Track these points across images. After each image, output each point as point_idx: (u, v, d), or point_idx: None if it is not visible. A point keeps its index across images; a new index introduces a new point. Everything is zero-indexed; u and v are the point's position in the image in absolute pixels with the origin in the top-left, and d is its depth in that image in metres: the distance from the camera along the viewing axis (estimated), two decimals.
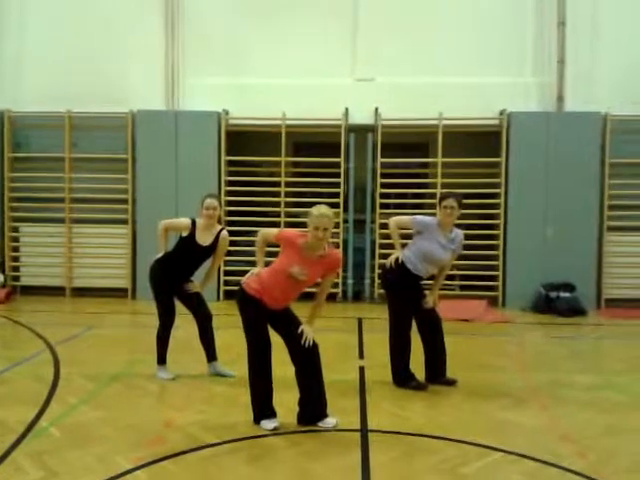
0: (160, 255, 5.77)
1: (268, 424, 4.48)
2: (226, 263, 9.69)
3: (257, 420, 4.54)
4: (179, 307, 5.87)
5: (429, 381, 5.60)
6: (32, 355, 6.54)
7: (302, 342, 4.46)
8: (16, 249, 10.72)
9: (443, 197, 5.54)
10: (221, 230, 5.73)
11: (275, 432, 4.43)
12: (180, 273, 5.75)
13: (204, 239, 5.66)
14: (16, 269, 10.68)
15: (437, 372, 5.64)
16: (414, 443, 4.33)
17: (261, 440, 4.33)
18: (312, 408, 4.57)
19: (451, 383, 5.60)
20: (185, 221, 5.71)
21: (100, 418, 4.69)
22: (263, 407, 4.54)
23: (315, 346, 4.54)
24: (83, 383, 5.55)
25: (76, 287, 10.55)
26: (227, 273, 10.10)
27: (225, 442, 4.26)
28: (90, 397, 5.21)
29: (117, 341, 7.50)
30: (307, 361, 4.53)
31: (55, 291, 10.44)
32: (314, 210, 4.39)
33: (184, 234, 5.68)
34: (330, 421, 4.56)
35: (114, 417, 4.72)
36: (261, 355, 4.50)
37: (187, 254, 5.69)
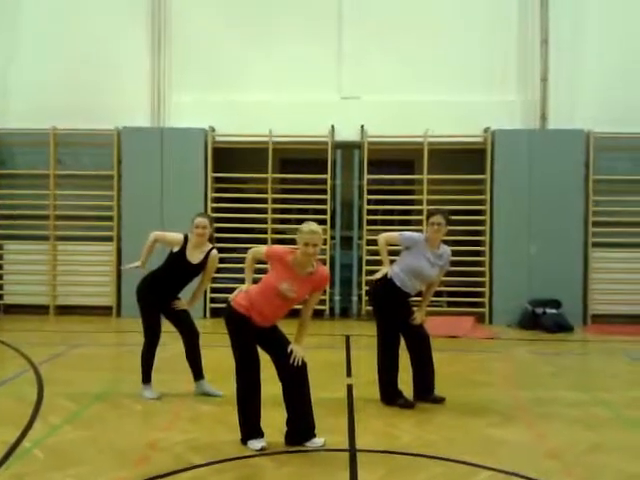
0: (136, 264, 5.71)
1: (255, 444, 4.43)
2: (213, 280, 9.61)
3: (244, 440, 4.49)
4: (165, 325, 5.82)
5: (417, 399, 5.58)
6: (15, 375, 6.44)
7: (291, 362, 4.43)
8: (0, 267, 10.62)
9: (431, 213, 5.56)
10: (211, 249, 5.70)
11: (262, 452, 4.37)
12: (168, 290, 5.70)
13: (194, 257, 5.63)
14: None
15: (425, 390, 5.62)
16: (402, 462, 4.29)
17: (248, 461, 4.27)
18: (300, 428, 4.53)
19: (439, 401, 5.58)
20: (178, 236, 5.67)
21: (84, 438, 4.61)
22: (251, 427, 4.48)
23: (304, 365, 4.50)
24: (67, 403, 5.46)
25: (60, 305, 10.45)
26: (214, 290, 10.05)
27: (212, 463, 4.19)
28: (74, 417, 5.12)
29: (101, 360, 7.42)
30: (295, 380, 4.49)
31: (39, 309, 10.34)
32: (304, 227, 4.39)
33: (175, 250, 5.65)
34: (318, 441, 4.52)
35: (98, 437, 4.65)
36: (249, 374, 4.45)
37: (176, 270, 5.65)
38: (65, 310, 10.41)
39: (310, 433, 4.53)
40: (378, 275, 5.56)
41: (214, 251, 5.71)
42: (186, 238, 5.63)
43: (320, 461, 4.31)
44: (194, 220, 5.62)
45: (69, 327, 9.41)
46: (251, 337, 4.47)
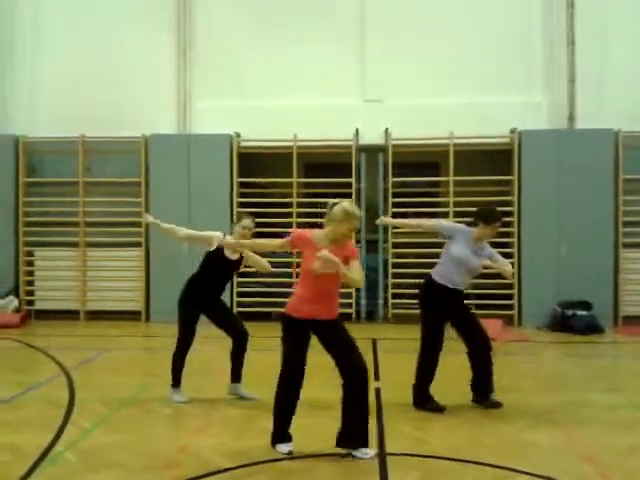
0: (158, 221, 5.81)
1: (283, 448, 4.43)
2: (239, 285, 9.67)
3: (273, 442, 4.49)
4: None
5: (475, 402, 5.52)
6: (47, 379, 6.54)
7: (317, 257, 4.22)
8: (30, 273, 10.79)
9: (497, 218, 5.46)
10: None
11: (292, 457, 4.36)
12: (209, 291, 5.73)
13: (231, 253, 5.69)
14: (30, 293, 10.74)
15: (480, 394, 5.55)
16: (433, 466, 4.25)
17: (278, 464, 4.27)
18: (352, 434, 4.39)
19: (494, 406, 5.48)
20: (217, 233, 5.74)
21: (115, 442, 4.65)
22: (281, 431, 4.48)
23: (365, 370, 4.36)
24: (98, 407, 5.53)
25: (90, 310, 10.58)
26: (240, 294, 10.06)
27: (241, 466, 4.20)
28: (105, 421, 5.18)
29: (131, 364, 7.49)
30: (355, 383, 4.34)
31: (69, 315, 10.47)
32: (353, 209, 4.36)
33: (212, 248, 5.69)
34: (367, 451, 4.37)
35: (129, 441, 4.69)
36: (292, 380, 4.43)
37: (215, 268, 5.70)
38: (95, 315, 10.54)
39: (360, 442, 4.39)
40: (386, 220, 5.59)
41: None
42: (224, 235, 5.70)
43: (350, 465, 4.28)
44: (241, 220, 5.69)
45: (99, 332, 9.53)
46: (302, 344, 4.42)
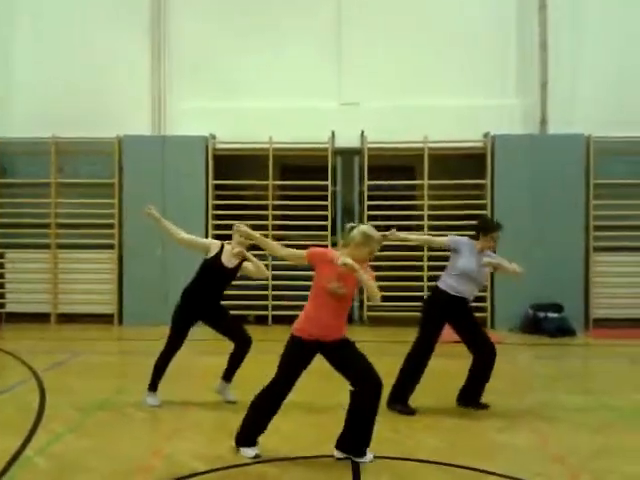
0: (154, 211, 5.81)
1: (249, 452, 4.38)
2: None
3: (238, 444, 4.43)
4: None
5: (462, 404, 5.60)
6: (17, 383, 6.43)
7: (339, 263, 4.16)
8: (1, 275, 10.61)
9: (493, 227, 5.80)
10: (244, 260, 5.69)
11: (265, 460, 4.34)
12: (207, 299, 5.67)
13: (229, 261, 5.65)
14: (1, 296, 10.56)
15: (475, 397, 5.63)
16: (406, 468, 4.27)
17: (251, 468, 4.25)
18: (356, 440, 4.37)
19: (484, 407, 5.58)
20: (216, 241, 5.78)
21: (87, 447, 4.59)
22: (251, 436, 4.43)
23: (380, 386, 4.36)
24: (69, 411, 5.45)
25: (62, 313, 10.44)
26: (228, 297, 9.99)
27: (214, 470, 4.18)
28: (77, 426, 5.11)
29: (104, 368, 7.40)
30: (370, 395, 4.33)
31: (40, 317, 10.32)
32: (373, 232, 4.33)
33: (209, 255, 5.67)
34: (368, 457, 4.36)
35: (101, 446, 4.63)
36: (278, 393, 4.39)
37: (211, 275, 5.65)
38: (67, 318, 10.40)
39: (363, 450, 4.38)
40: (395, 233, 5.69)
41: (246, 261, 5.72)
42: (222, 245, 5.69)
43: (322, 468, 4.28)
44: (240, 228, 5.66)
45: (71, 335, 9.40)
46: (299, 366, 4.37)
